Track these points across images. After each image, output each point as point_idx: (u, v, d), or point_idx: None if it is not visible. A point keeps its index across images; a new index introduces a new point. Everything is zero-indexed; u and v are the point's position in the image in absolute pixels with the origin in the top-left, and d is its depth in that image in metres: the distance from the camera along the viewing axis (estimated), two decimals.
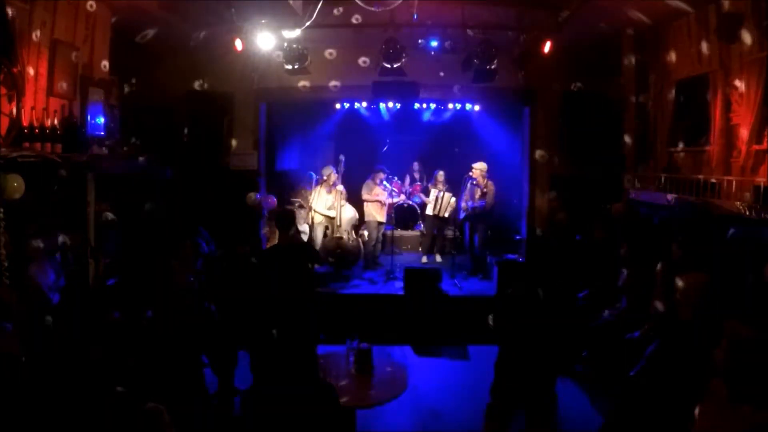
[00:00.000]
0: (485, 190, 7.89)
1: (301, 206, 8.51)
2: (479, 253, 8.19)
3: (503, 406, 3.99)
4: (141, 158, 6.01)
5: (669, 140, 6.27)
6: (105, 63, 5.73)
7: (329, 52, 7.23)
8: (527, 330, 3.85)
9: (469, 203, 7.97)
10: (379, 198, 8.61)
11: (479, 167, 7.98)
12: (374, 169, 8.78)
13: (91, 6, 5.36)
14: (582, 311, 5.67)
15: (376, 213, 8.60)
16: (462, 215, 8.21)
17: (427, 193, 9.13)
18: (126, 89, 6.42)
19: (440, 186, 8.75)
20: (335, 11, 6.18)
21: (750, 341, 2.34)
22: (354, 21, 6.33)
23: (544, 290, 4.13)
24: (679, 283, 4.23)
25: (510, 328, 3.93)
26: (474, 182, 7.93)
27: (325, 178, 8.12)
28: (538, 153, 7.75)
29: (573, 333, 5.02)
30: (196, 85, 7.50)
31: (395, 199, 9.32)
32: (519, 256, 7.90)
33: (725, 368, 2.40)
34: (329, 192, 8.07)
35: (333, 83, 7.62)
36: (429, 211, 8.76)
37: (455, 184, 8.41)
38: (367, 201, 8.59)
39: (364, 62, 7.20)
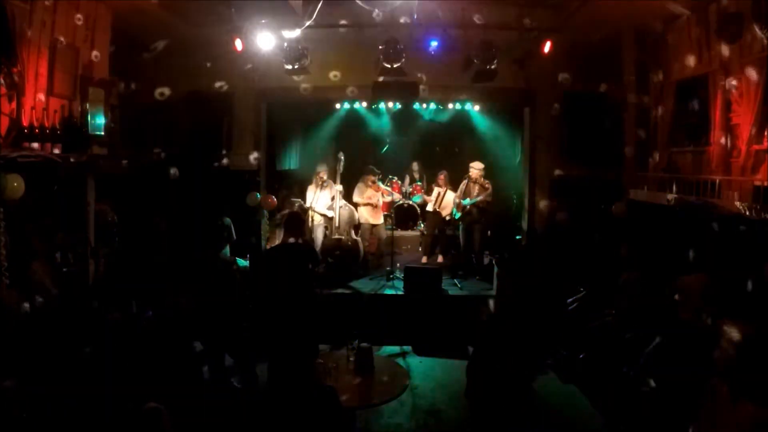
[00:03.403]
0: (486, 186, 7.91)
1: (301, 206, 8.50)
2: (478, 253, 8.19)
3: (483, 407, 3.99)
4: (141, 158, 6.02)
5: (669, 140, 6.27)
6: (97, 55, 5.68)
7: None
8: (512, 328, 3.84)
9: (464, 200, 7.97)
10: (371, 201, 8.56)
11: (477, 167, 7.98)
12: (365, 170, 8.74)
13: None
14: (571, 310, 5.68)
15: (368, 215, 8.55)
16: (458, 214, 8.20)
17: (429, 193, 9.10)
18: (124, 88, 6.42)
19: (442, 184, 8.73)
20: (331, 13, 6.19)
21: (749, 340, 2.34)
22: (354, 21, 6.34)
23: (538, 286, 4.13)
24: (680, 283, 4.23)
25: (501, 329, 3.93)
26: (473, 181, 7.95)
27: (316, 176, 8.11)
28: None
29: (554, 329, 5.01)
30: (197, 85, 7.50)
31: (392, 197, 9.29)
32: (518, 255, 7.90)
33: (725, 367, 2.40)
34: (321, 189, 8.04)
35: (339, 85, 7.63)
36: (429, 207, 8.74)
37: (455, 184, 8.42)
38: (359, 204, 8.54)
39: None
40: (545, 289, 5.51)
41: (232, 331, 4.84)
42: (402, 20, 6.34)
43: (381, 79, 7.21)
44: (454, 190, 8.52)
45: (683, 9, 5.78)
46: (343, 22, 6.45)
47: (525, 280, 4.13)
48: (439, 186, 8.74)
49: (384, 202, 8.95)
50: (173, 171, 6.18)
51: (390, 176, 10.12)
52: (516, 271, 4.19)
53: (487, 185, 7.93)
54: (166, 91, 6.70)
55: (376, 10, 5.79)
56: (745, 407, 2.22)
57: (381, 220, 8.68)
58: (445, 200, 8.57)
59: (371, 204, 8.52)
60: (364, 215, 8.53)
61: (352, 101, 9.15)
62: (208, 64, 7.04)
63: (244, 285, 5.07)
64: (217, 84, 7.52)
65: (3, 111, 4.15)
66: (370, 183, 8.59)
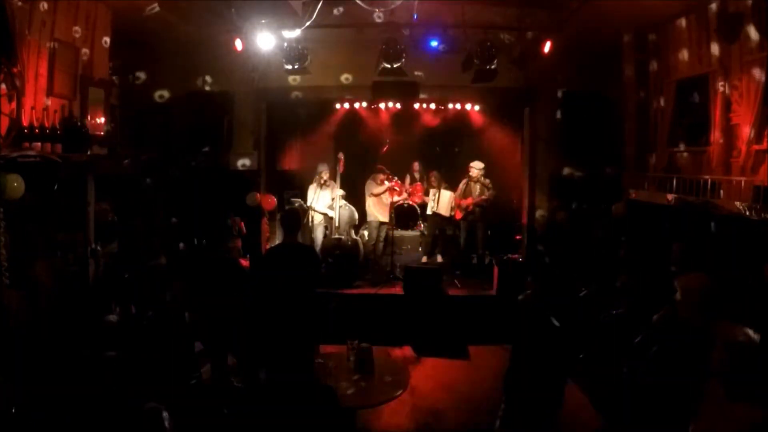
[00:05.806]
0: (488, 185, 7.91)
1: (301, 206, 8.51)
2: (479, 253, 8.19)
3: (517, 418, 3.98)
4: (141, 158, 6.02)
5: (669, 140, 6.27)
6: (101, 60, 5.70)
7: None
8: (540, 337, 3.83)
9: (465, 201, 7.98)
10: (388, 187, 8.55)
11: (477, 166, 7.99)
12: (375, 169, 8.76)
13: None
14: (584, 311, 5.68)
15: (378, 213, 8.56)
16: (460, 215, 8.21)
17: (426, 194, 9.12)
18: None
19: (435, 185, 8.74)
20: (336, 11, 6.19)
21: (744, 341, 2.35)
22: (354, 21, 6.35)
23: (547, 291, 4.10)
24: (679, 283, 4.23)
25: (524, 338, 3.90)
26: (473, 181, 7.96)
27: (318, 175, 8.12)
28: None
29: (576, 334, 5.01)
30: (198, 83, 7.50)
31: (399, 199, 9.31)
32: (519, 256, 7.90)
33: (721, 368, 2.41)
34: (322, 189, 8.05)
35: (339, 85, 7.64)
36: (429, 210, 8.75)
37: (455, 184, 8.41)
38: (373, 195, 8.54)
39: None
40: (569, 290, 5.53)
41: (234, 330, 4.84)
42: (402, 20, 6.34)
43: (381, 79, 7.21)
44: (448, 188, 8.53)
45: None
46: (342, 22, 6.45)
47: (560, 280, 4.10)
48: (433, 186, 8.75)
49: (391, 202, 8.97)
50: (173, 171, 6.19)
51: (391, 176, 10.10)
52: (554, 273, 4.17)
53: (488, 184, 7.96)
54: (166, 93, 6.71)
55: (377, 10, 5.80)
56: (741, 408, 2.22)
57: (387, 219, 8.71)
58: (441, 200, 8.57)
59: (386, 191, 8.51)
60: (374, 212, 8.53)
61: (352, 101, 9.15)
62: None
63: (245, 284, 5.06)
64: (217, 84, 7.56)
65: (3, 111, 4.15)
66: (379, 182, 8.61)
